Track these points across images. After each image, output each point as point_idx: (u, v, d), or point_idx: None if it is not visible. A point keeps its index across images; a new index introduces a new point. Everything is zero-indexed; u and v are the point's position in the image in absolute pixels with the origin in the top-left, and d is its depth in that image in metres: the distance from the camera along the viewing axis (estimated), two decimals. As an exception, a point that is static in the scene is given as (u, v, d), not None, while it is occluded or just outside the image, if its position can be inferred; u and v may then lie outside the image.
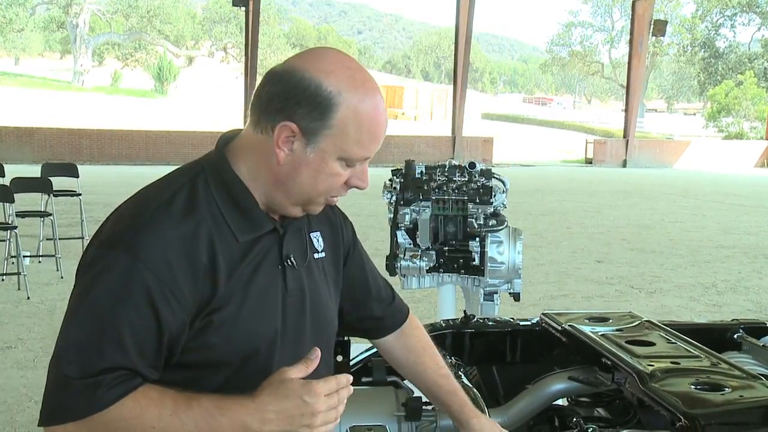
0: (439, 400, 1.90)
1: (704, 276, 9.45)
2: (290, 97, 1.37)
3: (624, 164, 30.49)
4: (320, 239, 1.62)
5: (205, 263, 1.36)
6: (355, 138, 1.39)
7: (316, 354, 1.41)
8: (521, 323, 2.98)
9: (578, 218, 14.63)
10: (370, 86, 1.41)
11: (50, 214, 8.42)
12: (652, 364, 2.28)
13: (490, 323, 3.01)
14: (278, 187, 1.44)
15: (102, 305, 1.32)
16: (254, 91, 1.44)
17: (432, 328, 2.93)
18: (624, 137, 31.39)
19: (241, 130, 1.49)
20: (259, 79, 1.52)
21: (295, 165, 1.41)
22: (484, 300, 4.42)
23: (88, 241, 1.45)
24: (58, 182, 9.11)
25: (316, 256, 1.59)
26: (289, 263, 1.49)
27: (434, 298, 4.84)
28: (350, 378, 1.40)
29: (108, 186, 16.53)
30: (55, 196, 8.71)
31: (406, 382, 2.84)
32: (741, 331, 2.89)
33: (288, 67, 1.40)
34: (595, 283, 8.89)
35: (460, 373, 2.52)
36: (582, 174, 26.79)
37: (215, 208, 1.41)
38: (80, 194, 9.38)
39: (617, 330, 2.69)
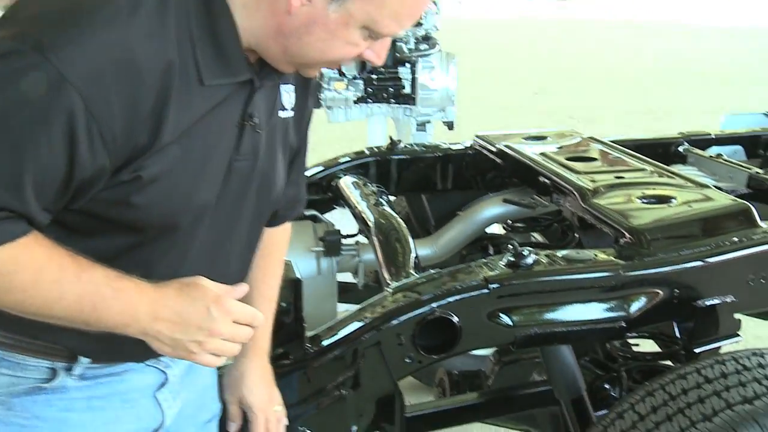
0: None
1: (642, 102, 9.37)
2: None
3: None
4: (292, 94, 1.29)
5: (152, 102, 1.03)
6: (393, 9, 1.08)
7: (243, 290, 1.17)
8: (453, 147, 2.73)
9: (515, 50, 14.31)
10: None
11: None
12: (594, 179, 2.07)
13: (419, 149, 2.75)
14: (278, 39, 1.10)
15: (5, 124, 0.97)
16: None
17: (355, 156, 2.67)
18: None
19: None
20: None
21: (308, 21, 1.08)
22: (416, 130, 4.24)
23: None
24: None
25: (281, 114, 1.27)
26: (251, 123, 1.17)
27: (364, 132, 4.56)
28: (262, 321, 1.20)
29: None
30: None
31: (326, 215, 2.61)
32: (686, 143, 2.70)
33: None
34: (533, 114, 8.74)
35: (382, 200, 2.27)
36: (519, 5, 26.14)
37: (186, 33, 1.05)
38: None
39: (557, 147, 2.46)
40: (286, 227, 1.50)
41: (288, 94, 1.27)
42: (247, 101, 1.15)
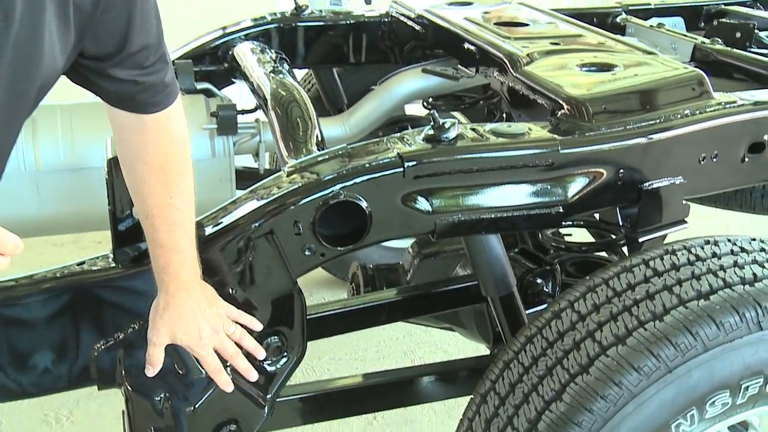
0: (148, 241, 1.26)
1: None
2: None
3: None
4: None
5: None
6: None
7: (15, 244, 0.85)
8: (366, 14, 2.42)
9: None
10: None
11: None
12: (526, 45, 1.80)
13: (328, 15, 2.43)
14: None
15: None
16: None
17: (254, 23, 2.32)
18: None
19: None
20: None
21: None
22: (330, 4, 3.86)
23: None
24: None
25: None
26: None
27: (272, 5, 4.16)
28: (19, 245, 0.85)
29: None
30: None
31: (225, 91, 2.28)
32: (624, 13, 2.45)
33: None
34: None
35: (283, 69, 1.96)
36: None
37: None
38: None
39: (484, 12, 2.17)
40: (171, 124, 1.19)
41: None
42: None
